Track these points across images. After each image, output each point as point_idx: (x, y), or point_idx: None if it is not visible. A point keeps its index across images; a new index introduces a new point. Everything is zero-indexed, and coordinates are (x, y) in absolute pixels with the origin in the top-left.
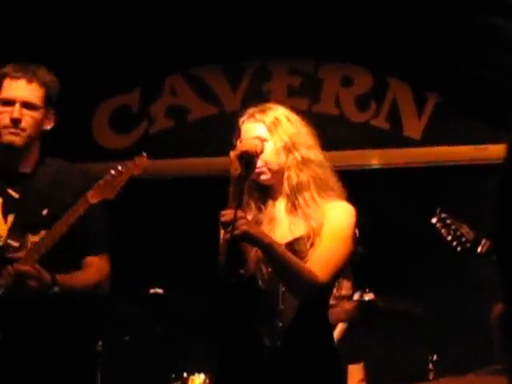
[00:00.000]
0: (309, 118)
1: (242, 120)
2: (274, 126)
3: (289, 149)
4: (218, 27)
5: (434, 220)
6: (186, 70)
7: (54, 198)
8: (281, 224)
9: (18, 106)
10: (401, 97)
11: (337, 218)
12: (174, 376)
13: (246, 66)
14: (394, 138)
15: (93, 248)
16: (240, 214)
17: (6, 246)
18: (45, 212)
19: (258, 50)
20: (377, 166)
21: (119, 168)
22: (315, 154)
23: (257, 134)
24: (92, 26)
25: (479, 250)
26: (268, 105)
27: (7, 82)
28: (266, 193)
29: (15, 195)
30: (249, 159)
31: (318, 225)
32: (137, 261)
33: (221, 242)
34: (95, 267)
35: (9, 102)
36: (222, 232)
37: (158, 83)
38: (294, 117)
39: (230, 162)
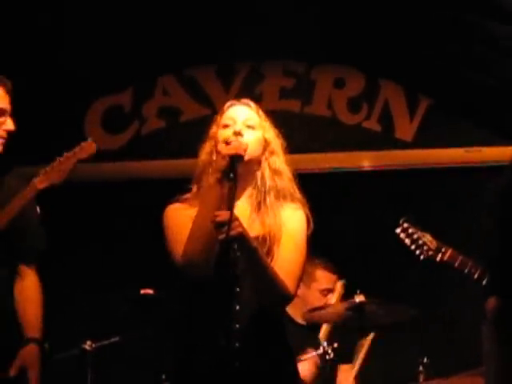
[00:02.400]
0: (301, 120)
1: (229, 104)
2: (262, 118)
3: (268, 148)
4: (211, 28)
5: (397, 230)
6: (178, 71)
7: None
8: (239, 214)
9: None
10: (393, 99)
11: (296, 227)
12: (164, 377)
13: (239, 67)
14: (385, 140)
15: (24, 258)
16: (235, 215)
17: None
18: None
19: (251, 51)
20: (369, 168)
21: (66, 154)
22: (282, 162)
23: (247, 116)
24: (84, 26)
25: (439, 258)
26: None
27: None
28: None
29: None
30: (237, 160)
31: (276, 231)
32: (128, 261)
33: (176, 238)
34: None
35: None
36: (173, 228)
37: (150, 83)
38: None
39: (221, 155)
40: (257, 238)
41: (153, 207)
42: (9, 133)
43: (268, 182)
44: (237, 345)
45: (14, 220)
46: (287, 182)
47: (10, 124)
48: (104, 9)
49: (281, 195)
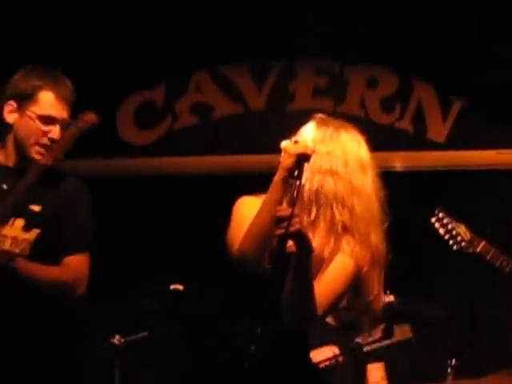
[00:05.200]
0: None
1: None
2: (320, 131)
3: (317, 151)
4: (245, 25)
5: (432, 219)
6: (211, 68)
7: (42, 195)
8: None
9: (58, 127)
10: (426, 100)
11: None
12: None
13: (272, 65)
14: (418, 140)
15: (70, 248)
16: (296, 212)
17: None
18: (32, 207)
19: (285, 49)
20: (400, 169)
21: (66, 130)
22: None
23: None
24: (118, 21)
25: (471, 249)
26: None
27: (49, 97)
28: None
29: (5, 187)
30: (304, 160)
31: (332, 249)
32: (158, 256)
33: (236, 232)
34: (67, 267)
35: (48, 120)
36: (237, 222)
37: (183, 80)
38: (351, 140)
39: (286, 153)
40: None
41: (183, 204)
42: (53, 142)
43: (314, 185)
44: (252, 348)
45: (60, 206)
46: (341, 185)
47: (55, 133)
48: (138, 4)
49: (332, 201)
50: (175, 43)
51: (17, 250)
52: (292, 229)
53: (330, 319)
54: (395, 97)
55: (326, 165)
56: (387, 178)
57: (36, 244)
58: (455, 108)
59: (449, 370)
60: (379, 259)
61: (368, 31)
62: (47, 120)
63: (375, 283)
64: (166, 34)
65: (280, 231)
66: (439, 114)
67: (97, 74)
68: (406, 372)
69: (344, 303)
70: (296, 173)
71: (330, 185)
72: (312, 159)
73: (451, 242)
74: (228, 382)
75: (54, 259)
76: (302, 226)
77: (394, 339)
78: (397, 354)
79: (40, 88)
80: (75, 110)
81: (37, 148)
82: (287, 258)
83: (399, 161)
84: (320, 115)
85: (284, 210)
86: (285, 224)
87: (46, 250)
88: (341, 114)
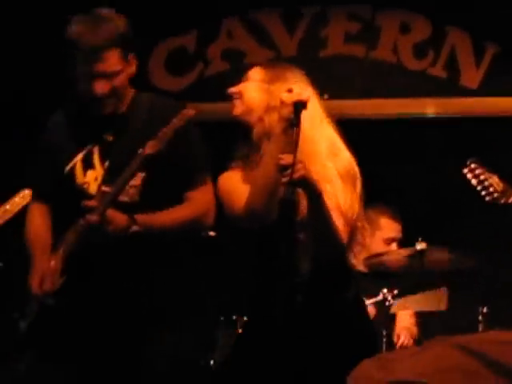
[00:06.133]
0: (365, 65)
1: None
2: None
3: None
4: None
5: (465, 170)
6: (243, 14)
7: (149, 136)
8: None
9: None
10: (459, 46)
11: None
12: (222, 318)
13: (304, 11)
14: (450, 87)
15: (189, 182)
16: (299, 158)
17: (101, 193)
18: (140, 151)
19: None
20: (432, 115)
21: (168, 125)
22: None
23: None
24: None
25: (504, 200)
26: None
27: None
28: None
29: (110, 139)
30: (301, 107)
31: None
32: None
33: (235, 194)
34: (193, 202)
35: None
36: (230, 188)
37: (214, 26)
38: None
39: (284, 103)
40: None
41: (215, 149)
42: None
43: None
44: (299, 299)
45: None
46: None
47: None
48: None
49: None
50: None
51: (126, 199)
52: (296, 175)
53: (361, 267)
54: (428, 43)
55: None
56: (419, 124)
57: (144, 187)
58: (488, 54)
59: (480, 318)
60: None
61: None
62: None
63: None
64: None
65: (285, 179)
66: (472, 60)
67: (128, 20)
68: (436, 320)
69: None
70: (295, 120)
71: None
72: None
73: (484, 192)
74: (277, 336)
75: (169, 197)
76: (306, 171)
77: (427, 307)
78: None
79: None
80: None
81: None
82: (296, 204)
83: (431, 107)
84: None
85: (287, 157)
86: (289, 171)
87: (158, 190)
88: (373, 60)
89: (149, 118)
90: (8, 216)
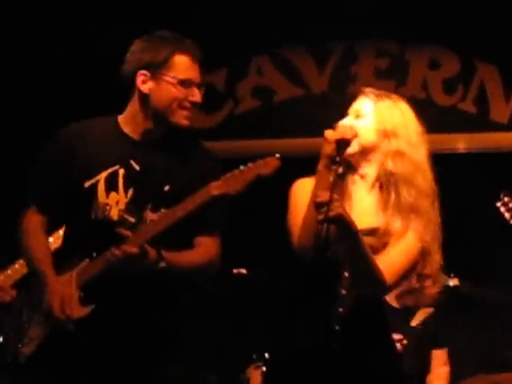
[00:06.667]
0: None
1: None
2: (381, 107)
3: (387, 134)
4: (305, 8)
5: (498, 204)
6: (272, 51)
7: (177, 174)
8: (358, 206)
9: (196, 89)
10: (489, 80)
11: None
12: (255, 356)
13: (333, 48)
14: (481, 122)
15: (207, 228)
16: (335, 196)
17: (122, 220)
18: (166, 188)
19: (345, 31)
20: (463, 150)
21: (249, 165)
22: (407, 145)
23: (360, 107)
24: (181, 6)
25: None
26: (392, 94)
27: (185, 60)
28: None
29: (136, 167)
30: (344, 145)
31: (401, 228)
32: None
33: (294, 220)
34: (206, 247)
35: (188, 83)
36: (294, 209)
37: (244, 63)
38: (410, 113)
39: (326, 140)
40: (376, 229)
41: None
42: (194, 104)
43: (390, 167)
44: (337, 328)
45: (191, 185)
46: (409, 165)
47: (196, 95)
48: None
49: (410, 187)
50: (235, 27)
51: (149, 236)
52: (332, 213)
53: (394, 302)
54: (457, 78)
55: (393, 147)
56: (450, 159)
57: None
58: None
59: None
60: (438, 232)
61: (429, 11)
62: (186, 83)
63: (437, 256)
64: (225, 18)
65: (321, 216)
66: (502, 95)
67: None
68: (469, 356)
69: (407, 283)
70: (337, 159)
71: (399, 167)
72: (381, 142)
73: None
74: (309, 364)
75: (181, 238)
76: (343, 210)
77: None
78: (460, 338)
79: (173, 52)
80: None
81: (181, 112)
82: (332, 242)
83: (462, 142)
84: (368, 89)
85: (323, 195)
86: (325, 209)
87: (174, 230)
88: (402, 96)
89: (177, 155)
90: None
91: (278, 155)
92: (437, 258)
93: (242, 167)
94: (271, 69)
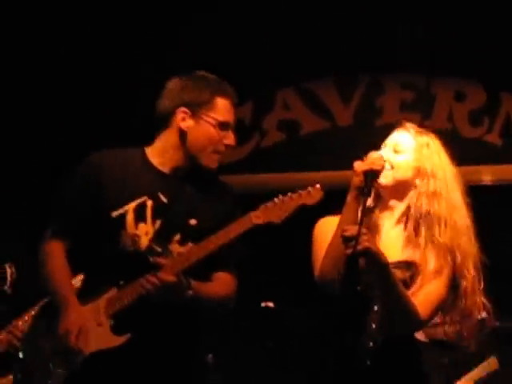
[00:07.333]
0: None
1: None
2: (421, 145)
3: (425, 174)
4: (331, 41)
5: None
6: (297, 84)
7: (203, 209)
8: (385, 238)
9: (232, 133)
10: None
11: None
12: None
13: (359, 80)
14: (507, 154)
15: (226, 263)
16: (363, 229)
17: (150, 250)
18: (193, 222)
19: (370, 63)
20: (490, 183)
21: (290, 194)
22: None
23: (400, 141)
24: (205, 40)
25: None
26: (429, 133)
27: (225, 103)
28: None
29: (164, 200)
30: (373, 177)
31: (437, 264)
32: (250, 273)
33: (317, 254)
34: (226, 281)
35: (225, 126)
36: (317, 244)
37: (269, 97)
38: (444, 154)
39: (355, 172)
40: (405, 262)
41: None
42: (228, 147)
43: (424, 206)
44: (368, 363)
45: (217, 220)
46: (445, 206)
47: (231, 139)
48: (224, 26)
49: (442, 226)
50: (261, 61)
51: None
52: (360, 247)
53: (421, 336)
54: (483, 110)
55: (431, 187)
56: (476, 192)
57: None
58: None
59: None
60: (478, 266)
61: (454, 44)
62: (224, 126)
63: (476, 290)
64: (251, 52)
65: (349, 250)
66: None
67: None
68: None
69: (439, 319)
70: (365, 190)
71: (435, 208)
72: (420, 181)
73: None
74: None
75: (201, 272)
76: (371, 243)
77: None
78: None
79: (215, 94)
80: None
81: (213, 156)
82: (360, 275)
83: (488, 175)
84: (409, 123)
85: (351, 229)
86: (353, 243)
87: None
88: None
89: (202, 190)
90: None
91: (318, 185)
92: (473, 295)
93: (281, 196)
94: (296, 102)
